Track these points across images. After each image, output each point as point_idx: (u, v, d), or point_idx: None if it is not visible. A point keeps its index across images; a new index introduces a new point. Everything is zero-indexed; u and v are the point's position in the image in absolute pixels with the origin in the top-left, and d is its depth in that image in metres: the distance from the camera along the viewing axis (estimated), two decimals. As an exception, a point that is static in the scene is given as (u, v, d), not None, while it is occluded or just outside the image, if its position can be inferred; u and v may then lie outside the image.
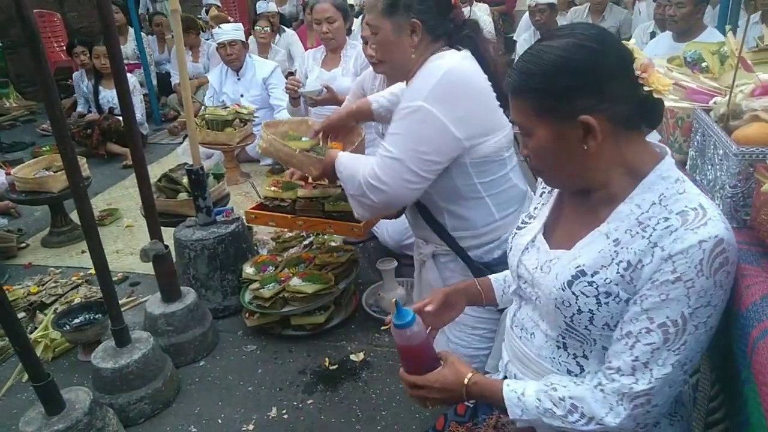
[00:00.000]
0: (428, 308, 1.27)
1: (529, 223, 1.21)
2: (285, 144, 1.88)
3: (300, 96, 3.81)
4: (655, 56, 3.23)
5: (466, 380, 1.10)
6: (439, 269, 1.81)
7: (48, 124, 5.86)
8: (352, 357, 2.25)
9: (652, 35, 4.40)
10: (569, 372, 1.08)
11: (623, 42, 1.03)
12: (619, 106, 0.97)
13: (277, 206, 2.32)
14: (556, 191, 1.19)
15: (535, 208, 1.23)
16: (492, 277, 1.41)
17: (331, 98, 3.48)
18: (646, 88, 0.97)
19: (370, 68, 2.67)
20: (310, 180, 2.26)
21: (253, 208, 2.37)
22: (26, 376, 2.26)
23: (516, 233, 1.23)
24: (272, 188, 2.35)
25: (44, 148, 4.92)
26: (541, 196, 1.24)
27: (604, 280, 0.98)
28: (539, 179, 1.18)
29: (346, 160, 1.70)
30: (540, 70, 0.98)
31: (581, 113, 0.95)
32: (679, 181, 0.98)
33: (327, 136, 2.01)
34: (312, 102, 3.55)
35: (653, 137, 1.63)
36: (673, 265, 0.91)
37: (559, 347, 1.09)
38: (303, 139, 2.00)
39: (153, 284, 2.83)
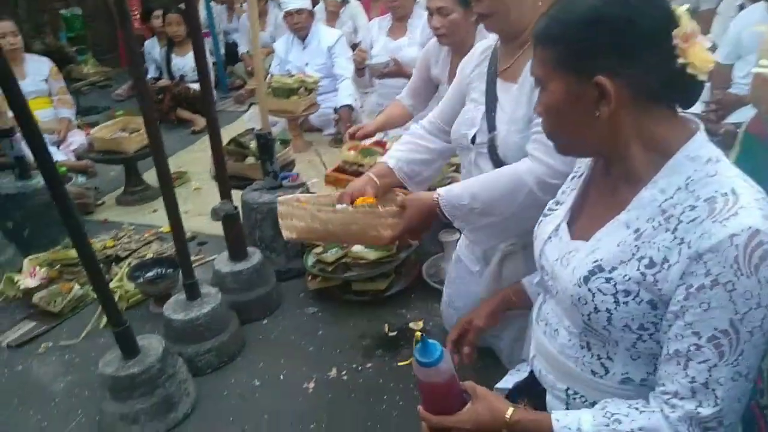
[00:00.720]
0: (477, 323, 1.31)
1: (555, 209, 1.12)
2: (333, 209, 1.58)
3: (365, 67, 3.81)
4: (746, 28, 3.03)
5: (507, 417, 0.98)
6: (527, 260, 1.59)
7: (122, 90, 6.14)
8: (411, 325, 2.26)
9: (741, 8, 4.10)
10: (593, 373, 1.00)
11: (672, 6, 0.90)
12: (644, 74, 0.87)
13: (355, 171, 2.36)
14: (585, 174, 1.09)
15: (563, 193, 1.14)
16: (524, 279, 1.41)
17: (398, 71, 3.46)
18: (680, 60, 0.85)
19: (434, 39, 2.62)
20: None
21: (332, 171, 2.42)
22: (103, 322, 2.40)
23: (541, 221, 1.15)
24: (352, 152, 2.38)
25: (118, 113, 5.14)
26: (571, 180, 1.14)
27: (623, 277, 0.89)
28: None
29: (467, 191, 1.45)
30: (567, 19, 0.90)
31: (599, 73, 0.86)
32: (711, 161, 0.87)
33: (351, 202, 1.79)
34: (378, 74, 3.53)
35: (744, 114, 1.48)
36: (706, 267, 0.80)
37: (582, 347, 1.02)
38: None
39: (219, 245, 2.92)
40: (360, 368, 2.06)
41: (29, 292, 2.53)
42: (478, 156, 1.63)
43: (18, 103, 1.40)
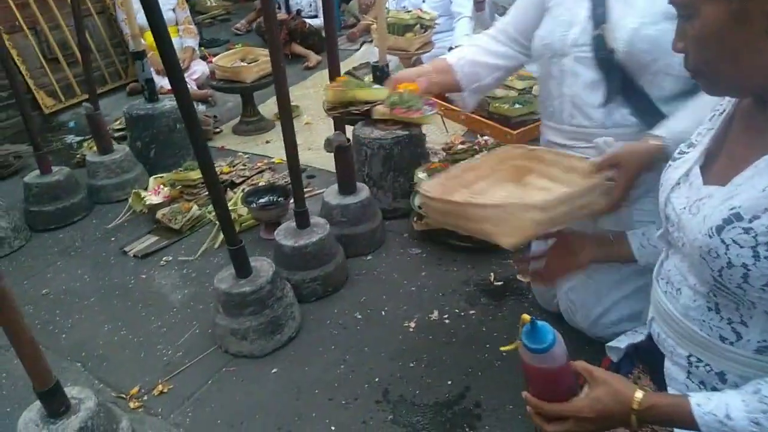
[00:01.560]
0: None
1: (687, 152, 0.98)
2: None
3: (484, 0, 3.58)
4: None
5: (635, 404, 0.86)
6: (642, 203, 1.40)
7: (241, 24, 6.26)
8: (519, 277, 2.16)
9: None
10: (722, 339, 0.89)
11: None
12: None
13: (449, 98, 2.35)
14: (725, 113, 0.93)
15: (699, 134, 0.99)
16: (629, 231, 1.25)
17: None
18: None
19: None
20: None
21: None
22: (218, 242, 2.52)
23: (670, 165, 1.01)
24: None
25: (237, 45, 5.28)
26: (709, 119, 0.99)
27: (767, 228, 0.76)
28: None
29: (695, 121, 1.09)
30: None
31: None
32: None
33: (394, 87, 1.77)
34: (502, 10, 3.30)
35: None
36: None
37: (710, 309, 0.89)
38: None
39: (327, 179, 2.96)
40: (463, 314, 2.01)
41: (153, 208, 2.70)
42: (577, 62, 1.48)
43: (159, 26, 1.41)
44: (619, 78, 1.43)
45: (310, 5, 5.36)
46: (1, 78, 4.04)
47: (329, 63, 2.28)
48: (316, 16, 5.29)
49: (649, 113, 1.43)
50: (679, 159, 1.00)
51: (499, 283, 2.14)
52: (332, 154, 2.26)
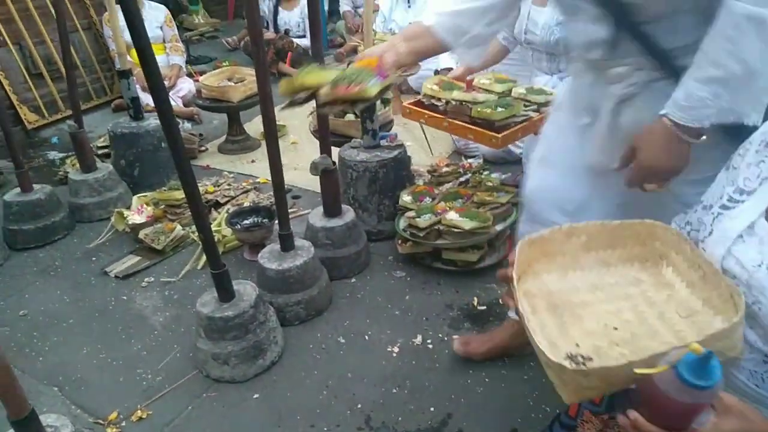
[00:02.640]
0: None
1: (741, 201, 0.92)
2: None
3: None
4: None
5: None
6: (654, 100, 1.19)
7: (233, 39, 6.27)
8: (502, 301, 2.17)
9: None
10: None
11: None
12: None
13: (431, 105, 2.37)
14: None
15: (746, 179, 0.93)
16: None
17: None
18: None
19: None
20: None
21: (410, 104, 2.45)
22: (200, 264, 2.50)
23: (721, 213, 0.94)
24: (433, 86, 2.38)
25: (224, 63, 5.29)
26: (756, 152, 0.92)
27: None
28: None
29: (692, 76, 1.08)
30: None
31: None
32: None
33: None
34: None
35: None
36: None
37: None
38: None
39: (312, 200, 2.96)
40: (446, 338, 2.01)
41: (136, 228, 2.67)
42: None
43: (142, 44, 1.41)
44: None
45: (299, 25, 5.40)
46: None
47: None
48: (304, 36, 5.33)
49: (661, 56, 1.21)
50: (733, 208, 0.93)
51: (483, 308, 2.15)
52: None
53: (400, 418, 1.70)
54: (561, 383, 0.87)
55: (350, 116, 2.96)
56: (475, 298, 2.19)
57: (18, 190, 2.74)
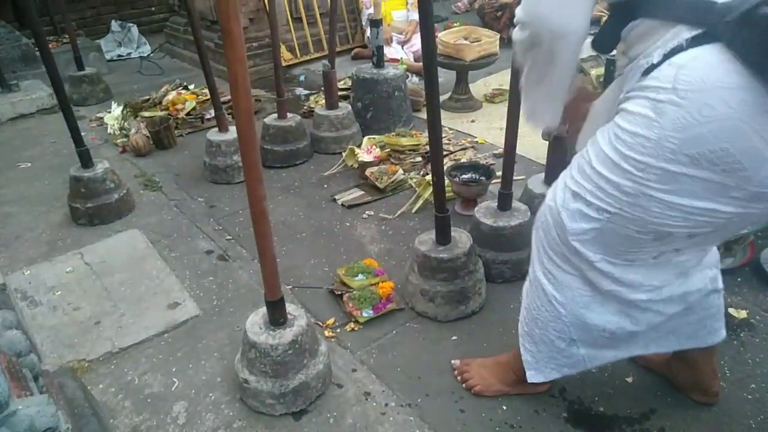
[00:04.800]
0: None
1: None
2: None
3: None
4: None
5: None
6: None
7: (462, 3, 6.34)
8: (731, 311, 1.95)
9: None
10: None
11: None
12: None
13: None
14: None
15: None
16: None
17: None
18: None
19: None
20: None
21: None
22: (416, 207, 2.66)
23: None
24: None
25: (455, 24, 5.39)
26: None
27: None
28: None
29: None
30: None
31: None
32: None
33: None
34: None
35: None
36: None
37: None
38: None
39: (526, 166, 2.93)
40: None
41: (363, 165, 2.92)
42: None
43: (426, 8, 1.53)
44: None
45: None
46: (250, 31, 4.64)
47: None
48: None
49: None
50: None
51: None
52: (541, 142, 2.24)
53: (596, 398, 1.66)
54: None
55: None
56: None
57: (275, 115, 3.17)
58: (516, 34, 1.17)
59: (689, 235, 1.14)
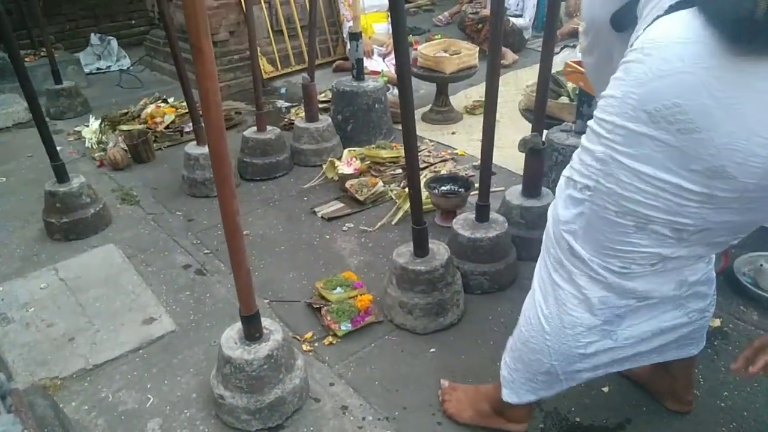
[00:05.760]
0: None
1: None
2: None
3: None
4: None
5: None
6: None
7: (443, 16, 6.41)
8: (705, 319, 1.97)
9: None
10: None
11: None
12: None
13: None
14: None
15: None
16: None
17: None
18: None
19: None
20: None
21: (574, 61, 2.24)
22: (396, 219, 2.67)
23: None
24: None
25: (437, 36, 5.43)
26: None
27: None
28: None
29: None
30: None
31: None
32: None
33: None
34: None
35: None
36: None
37: None
38: None
39: (506, 178, 2.96)
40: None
41: (344, 178, 2.93)
42: None
43: (399, 21, 1.55)
44: None
45: (517, 4, 5.31)
46: (231, 44, 4.64)
47: (542, 62, 2.24)
48: (520, 16, 5.24)
49: None
50: None
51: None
52: (520, 154, 2.26)
53: (573, 408, 1.67)
54: None
55: (564, 99, 2.87)
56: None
57: (254, 128, 3.17)
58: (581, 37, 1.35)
59: (673, 230, 1.11)
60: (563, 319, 1.30)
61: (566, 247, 1.24)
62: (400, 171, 3.05)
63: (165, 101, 4.10)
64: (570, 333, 1.31)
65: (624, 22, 1.20)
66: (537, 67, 2.26)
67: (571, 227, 1.21)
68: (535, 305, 1.37)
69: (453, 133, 3.68)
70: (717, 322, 1.96)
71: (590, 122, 1.14)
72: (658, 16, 1.01)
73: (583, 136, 1.16)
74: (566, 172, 1.22)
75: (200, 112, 3.00)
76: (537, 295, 1.37)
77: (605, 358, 1.34)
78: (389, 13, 4.70)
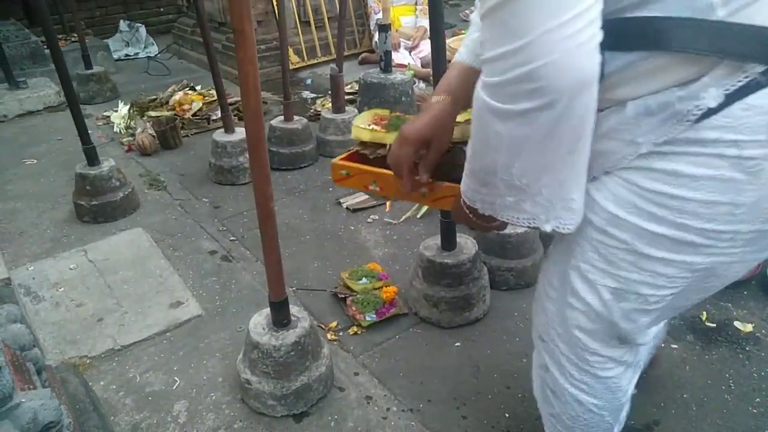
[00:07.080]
0: None
1: None
2: None
3: None
4: None
5: None
6: None
7: (470, 10, 6.36)
8: (737, 324, 1.94)
9: None
10: None
11: None
12: None
13: (377, 157, 1.34)
14: None
15: None
16: None
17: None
18: None
19: None
20: None
21: (343, 159, 1.39)
22: (420, 213, 2.66)
23: None
24: (372, 126, 1.38)
25: (463, 31, 5.40)
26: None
27: None
28: None
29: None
30: None
31: None
32: None
33: None
34: None
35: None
36: None
37: None
38: None
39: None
40: (663, 345, 1.87)
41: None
42: None
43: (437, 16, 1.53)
44: None
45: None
46: (258, 34, 4.65)
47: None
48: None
49: None
50: None
51: (712, 325, 1.95)
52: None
53: (599, 408, 1.65)
54: None
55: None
56: (704, 312, 2.00)
57: (281, 118, 3.17)
58: (520, 107, 0.76)
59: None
60: (609, 386, 1.19)
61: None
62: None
63: (193, 89, 4.13)
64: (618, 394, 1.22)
65: None
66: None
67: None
68: (583, 405, 1.22)
69: (479, 128, 3.65)
70: (749, 328, 1.93)
71: (649, 227, 0.89)
72: (746, 87, 0.75)
73: (634, 241, 0.92)
74: (607, 281, 0.99)
75: (228, 101, 3.02)
76: (581, 396, 1.20)
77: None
78: (420, 7, 4.69)
